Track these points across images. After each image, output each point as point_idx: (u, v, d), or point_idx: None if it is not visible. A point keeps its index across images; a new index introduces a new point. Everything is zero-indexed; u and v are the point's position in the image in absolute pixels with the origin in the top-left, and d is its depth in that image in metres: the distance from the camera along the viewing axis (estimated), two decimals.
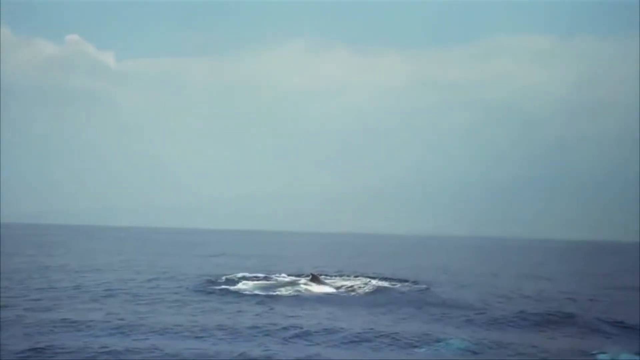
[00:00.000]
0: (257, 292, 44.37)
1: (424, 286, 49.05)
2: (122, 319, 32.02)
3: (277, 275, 53.82)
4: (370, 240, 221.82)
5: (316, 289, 46.20)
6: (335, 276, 54.16)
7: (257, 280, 50.51)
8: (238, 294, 43.36)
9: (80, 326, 30.25)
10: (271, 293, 43.87)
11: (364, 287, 47.82)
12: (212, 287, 45.98)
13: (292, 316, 34.44)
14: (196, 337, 28.74)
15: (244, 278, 51.10)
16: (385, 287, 48.07)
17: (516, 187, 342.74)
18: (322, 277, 51.13)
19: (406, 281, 52.18)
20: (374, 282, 51.01)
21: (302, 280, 48.84)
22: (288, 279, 51.15)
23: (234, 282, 49.08)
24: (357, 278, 53.20)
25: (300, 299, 41.44)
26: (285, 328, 30.64)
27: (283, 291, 44.90)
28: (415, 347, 28.15)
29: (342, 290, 46.50)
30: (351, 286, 48.09)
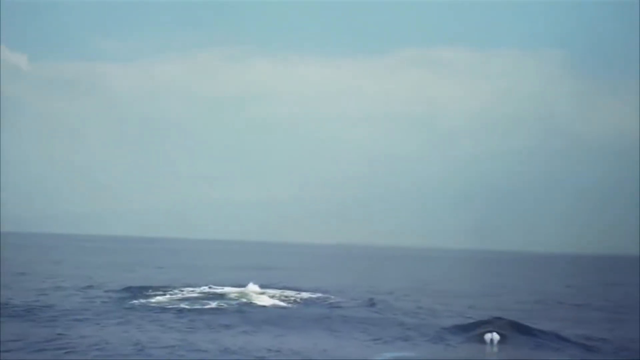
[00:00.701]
0: (183, 305, 42.57)
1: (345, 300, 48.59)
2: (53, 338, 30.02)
3: (205, 287, 51.68)
4: (289, 249, 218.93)
5: (259, 302, 44.96)
6: (269, 288, 52.48)
7: (183, 293, 48.46)
8: (171, 309, 41.27)
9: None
10: (198, 307, 41.99)
11: (297, 300, 47.06)
12: (140, 301, 43.95)
13: (240, 337, 32.83)
14: None
15: (171, 292, 48.83)
16: (317, 301, 47.37)
17: (427, 197, 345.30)
18: (253, 289, 49.59)
19: (311, 292, 51.56)
20: (305, 294, 50.22)
21: (233, 295, 47.44)
22: (219, 290, 49.59)
23: (159, 294, 47.09)
24: (287, 290, 52.07)
25: (241, 316, 39.69)
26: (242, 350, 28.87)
27: (213, 304, 43.28)
28: None
29: (277, 303, 45.39)
30: (285, 298, 47.25)
